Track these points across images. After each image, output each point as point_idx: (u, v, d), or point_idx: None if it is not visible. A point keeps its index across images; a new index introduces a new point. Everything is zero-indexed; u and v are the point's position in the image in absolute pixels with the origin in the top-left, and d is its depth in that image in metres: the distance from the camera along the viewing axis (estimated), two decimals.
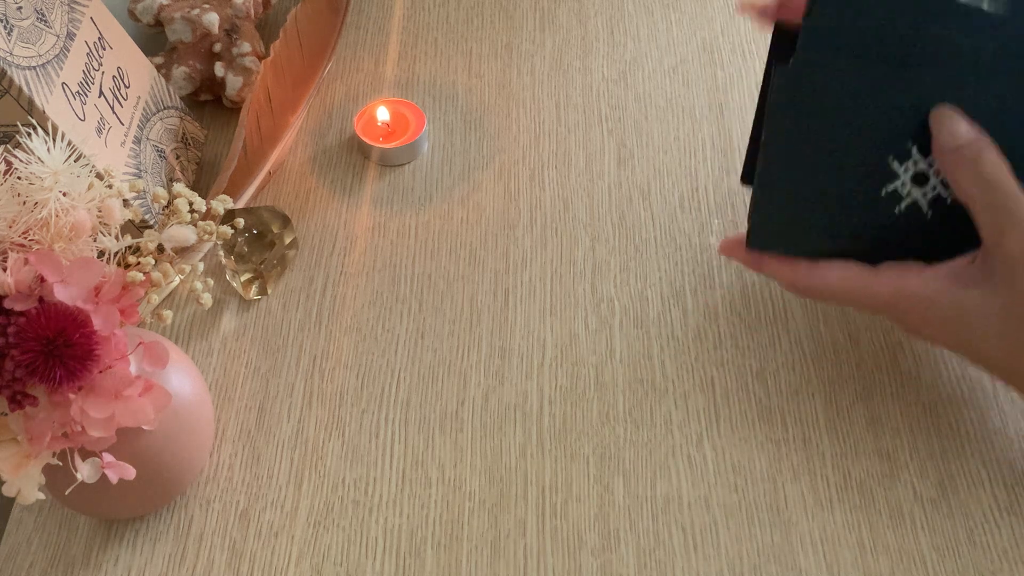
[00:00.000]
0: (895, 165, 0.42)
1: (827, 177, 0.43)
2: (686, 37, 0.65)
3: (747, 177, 0.47)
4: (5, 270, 0.36)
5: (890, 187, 0.43)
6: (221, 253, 0.53)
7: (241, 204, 0.56)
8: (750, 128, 0.47)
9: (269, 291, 0.54)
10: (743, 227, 0.55)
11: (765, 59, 0.46)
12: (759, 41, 0.64)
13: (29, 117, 0.44)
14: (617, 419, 0.49)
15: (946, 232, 0.43)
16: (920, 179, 0.42)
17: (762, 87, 0.46)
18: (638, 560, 0.44)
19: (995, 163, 0.39)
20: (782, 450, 0.47)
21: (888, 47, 0.40)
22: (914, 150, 0.42)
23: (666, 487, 0.46)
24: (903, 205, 0.43)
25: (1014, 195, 0.39)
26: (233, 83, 0.61)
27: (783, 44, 0.44)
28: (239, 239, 0.52)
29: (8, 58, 0.43)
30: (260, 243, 0.53)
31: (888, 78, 0.40)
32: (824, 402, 0.49)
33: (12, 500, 0.48)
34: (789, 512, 0.45)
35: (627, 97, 0.62)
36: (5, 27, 0.44)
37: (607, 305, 0.53)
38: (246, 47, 0.61)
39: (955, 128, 0.40)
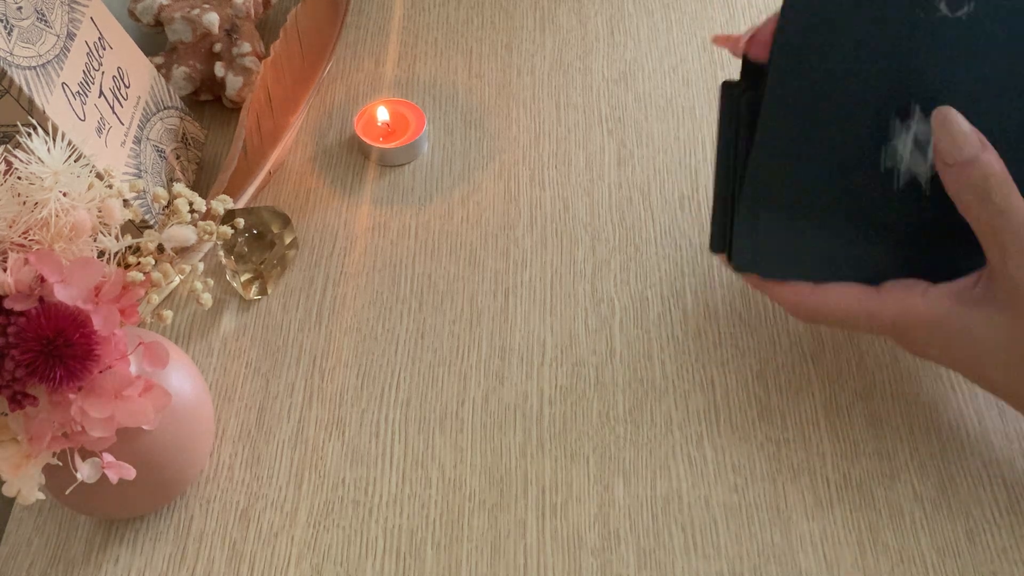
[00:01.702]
0: (894, 124, 0.41)
1: (822, 158, 0.42)
2: (686, 37, 0.65)
3: (716, 245, 0.45)
4: (5, 270, 0.36)
5: (888, 150, 0.41)
6: (221, 253, 0.53)
7: (241, 204, 0.56)
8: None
9: (269, 291, 0.54)
10: None
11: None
12: None
13: (29, 117, 0.44)
14: (617, 419, 0.49)
15: (941, 251, 0.42)
16: (920, 145, 0.41)
17: (719, 137, 0.44)
18: (638, 560, 0.44)
19: (1003, 186, 0.38)
20: (782, 450, 0.47)
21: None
22: (917, 111, 0.41)
23: (666, 487, 0.46)
24: (902, 181, 0.42)
25: (1019, 218, 0.38)
26: (233, 83, 0.61)
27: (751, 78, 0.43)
28: (239, 239, 0.52)
29: (8, 58, 0.43)
30: (260, 243, 0.53)
31: (884, 34, 0.39)
32: (824, 402, 0.49)
33: (12, 500, 0.48)
34: (789, 512, 0.45)
35: (627, 97, 0.62)
36: (5, 27, 0.44)
37: (607, 305, 0.53)
38: (246, 47, 0.61)
39: (958, 135, 0.39)
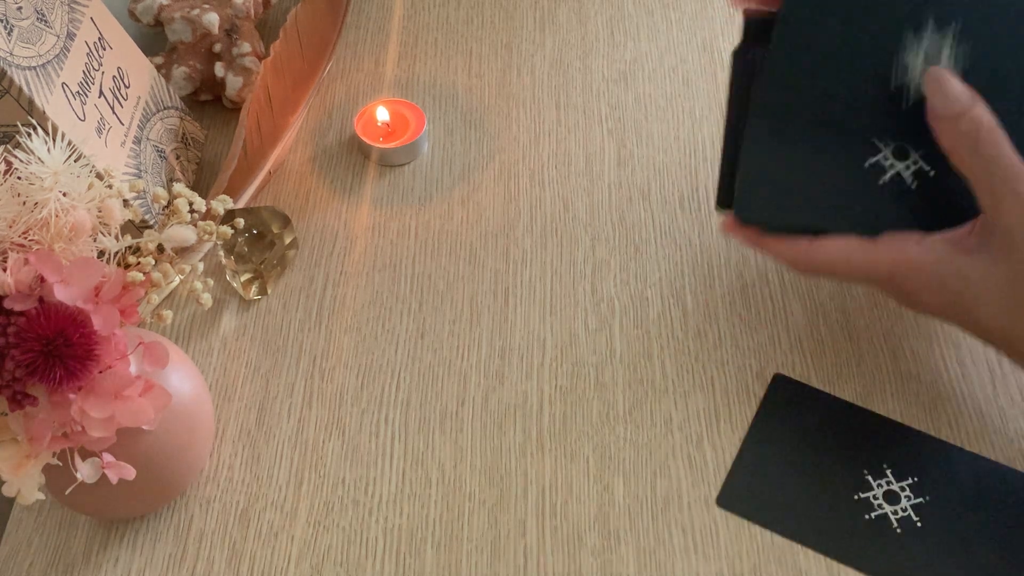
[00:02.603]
0: (877, 142, 0.42)
1: (814, 141, 0.43)
2: (686, 37, 0.65)
3: (722, 202, 0.47)
4: (5, 270, 0.36)
5: (872, 159, 0.42)
6: (221, 253, 0.53)
7: (241, 204, 0.56)
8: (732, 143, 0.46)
9: (269, 291, 0.54)
10: None
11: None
12: None
13: (29, 117, 0.44)
14: (617, 419, 0.49)
15: (934, 205, 0.43)
16: (900, 153, 0.42)
17: (730, 87, 0.45)
18: (638, 560, 0.44)
19: (992, 136, 0.39)
20: None
21: None
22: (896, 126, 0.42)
23: (666, 487, 0.46)
24: (887, 176, 0.43)
25: (1011, 167, 0.39)
26: (233, 83, 0.61)
27: (754, 33, 0.44)
28: (239, 239, 0.52)
29: (8, 58, 0.44)
30: (260, 243, 0.53)
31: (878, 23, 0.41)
32: None
33: (12, 500, 0.48)
34: None
35: (627, 97, 0.62)
36: (5, 27, 0.44)
37: (607, 305, 0.53)
38: (246, 47, 0.61)
39: (950, 92, 0.40)
